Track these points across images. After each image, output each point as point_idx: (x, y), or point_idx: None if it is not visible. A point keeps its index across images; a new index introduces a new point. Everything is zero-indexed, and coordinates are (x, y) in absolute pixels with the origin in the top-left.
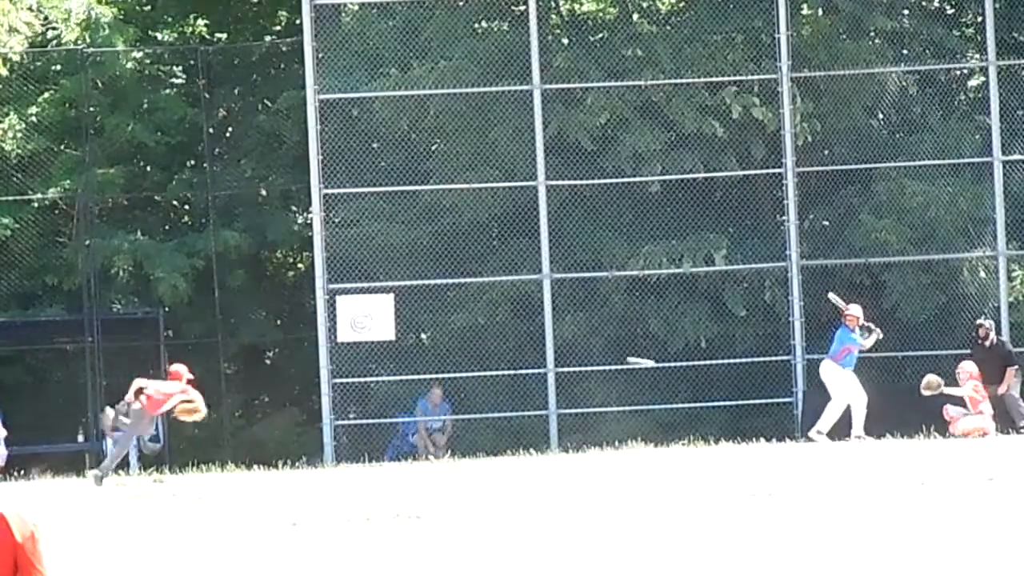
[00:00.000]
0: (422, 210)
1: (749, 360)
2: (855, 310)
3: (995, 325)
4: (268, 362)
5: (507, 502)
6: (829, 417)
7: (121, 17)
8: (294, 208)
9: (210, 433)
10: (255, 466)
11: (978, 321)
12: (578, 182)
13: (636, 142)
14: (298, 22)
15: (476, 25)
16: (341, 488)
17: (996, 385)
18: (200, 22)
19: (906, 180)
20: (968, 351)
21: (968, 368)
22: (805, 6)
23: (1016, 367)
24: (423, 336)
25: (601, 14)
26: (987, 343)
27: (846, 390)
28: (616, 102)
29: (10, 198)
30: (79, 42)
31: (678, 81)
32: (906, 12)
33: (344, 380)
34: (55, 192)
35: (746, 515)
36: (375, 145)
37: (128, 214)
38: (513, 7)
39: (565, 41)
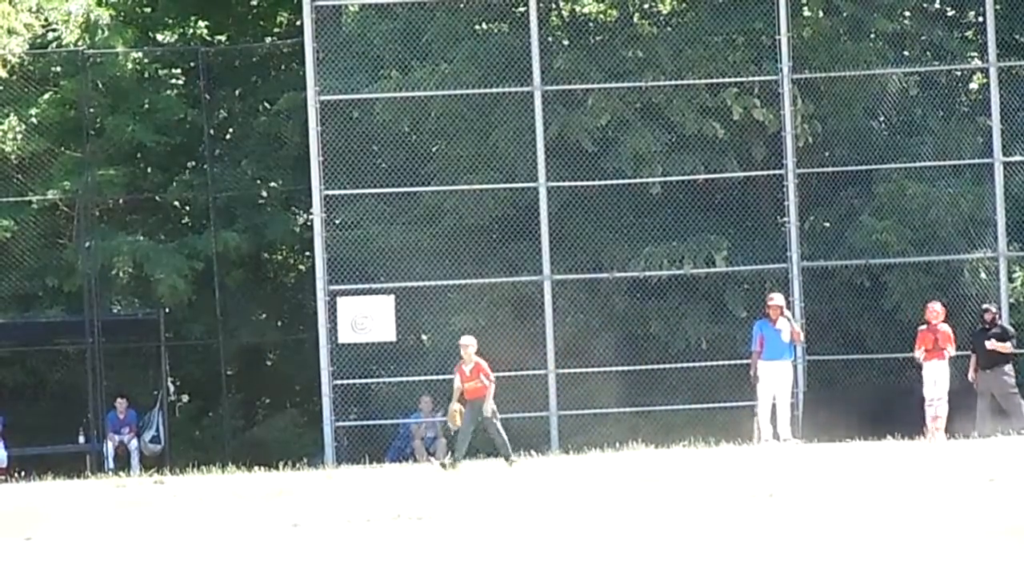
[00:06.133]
0: (423, 211)
1: (750, 361)
2: (777, 299)
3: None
4: (269, 363)
5: (507, 503)
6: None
7: (121, 19)
8: (295, 209)
9: (210, 434)
10: (256, 467)
11: (984, 305)
12: (579, 183)
13: (637, 143)
14: (299, 23)
15: (477, 27)
16: (342, 489)
17: (996, 368)
18: (201, 24)
19: (907, 181)
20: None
21: (936, 308)
22: (806, 8)
23: (1012, 342)
24: (424, 337)
25: (602, 15)
26: (993, 328)
27: (762, 387)
28: (617, 103)
29: (10, 199)
30: (79, 43)
31: (679, 82)
32: (907, 14)
33: (345, 381)
34: (55, 193)
35: (747, 516)
36: (376, 147)
37: (128, 215)
38: (514, 9)
39: (566, 43)
